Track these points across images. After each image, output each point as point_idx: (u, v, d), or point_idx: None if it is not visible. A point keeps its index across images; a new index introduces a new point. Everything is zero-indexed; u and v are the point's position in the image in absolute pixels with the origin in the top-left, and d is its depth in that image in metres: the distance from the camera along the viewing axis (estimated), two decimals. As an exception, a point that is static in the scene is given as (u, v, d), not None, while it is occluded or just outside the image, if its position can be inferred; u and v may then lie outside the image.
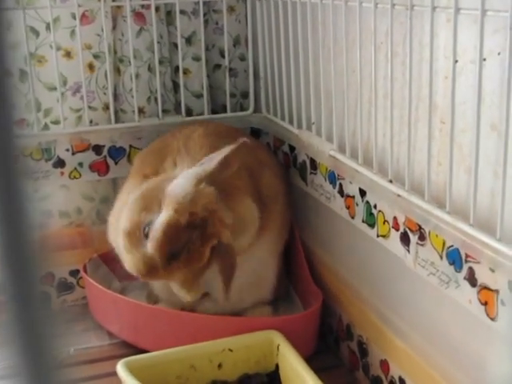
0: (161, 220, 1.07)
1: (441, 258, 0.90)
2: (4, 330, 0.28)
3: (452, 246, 0.88)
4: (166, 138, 1.31)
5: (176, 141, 1.27)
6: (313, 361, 1.11)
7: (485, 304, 0.83)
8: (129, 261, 1.12)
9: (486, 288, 0.82)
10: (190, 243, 1.06)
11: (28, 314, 0.28)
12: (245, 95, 1.59)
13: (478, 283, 0.83)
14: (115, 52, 1.47)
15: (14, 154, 0.27)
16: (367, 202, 1.10)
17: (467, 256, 0.85)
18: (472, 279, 0.84)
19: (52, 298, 1.43)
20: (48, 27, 1.36)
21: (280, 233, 1.32)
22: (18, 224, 0.27)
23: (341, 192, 1.19)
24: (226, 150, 1.13)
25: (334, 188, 1.21)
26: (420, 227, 0.94)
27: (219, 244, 1.09)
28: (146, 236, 1.09)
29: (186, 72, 1.52)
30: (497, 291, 0.80)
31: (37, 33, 1.38)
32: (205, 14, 1.52)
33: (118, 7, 1.44)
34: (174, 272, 1.09)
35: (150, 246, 1.07)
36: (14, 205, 0.27)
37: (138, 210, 1.13)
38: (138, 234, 1.10)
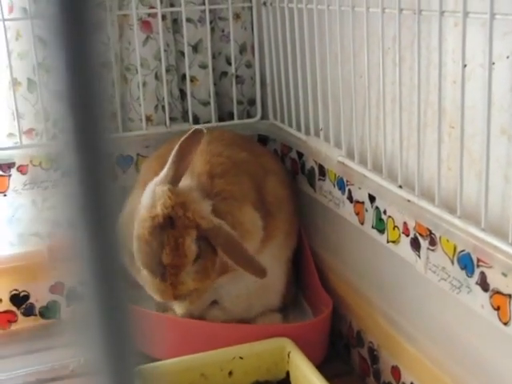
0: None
1: (452, 262, 0.90)
2: (82, 328, 0.28)
3: (463, 250, 0.87)
4: (171, 144, 1.31)
5: None
6: (323, 368, 1.11)
7: (497, 309, 0.82)
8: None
9: (498, 292, 0.82)
10: (165, 243, 1.06)
11: (111, 312, 0.28)
12: (252, 102, 1.59)
13: (491, 288, 0.83)
14: (122, 60, 1.47)
15: (105, 152, 0.26)
16: (377, 208, 1.09)
17: (479, 260, 0.84)
18: (484, 284, 0.84)
19: (62, 308, 1.42)
20: (55, 37, 1.36)
21: (286, 239, 1.32)
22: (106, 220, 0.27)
23: (350, 198, 1.19)
24: (175, 147, 1.11)
25: (343, 194, 1.21)
26: (431, 232, 0.94)
27: (210, 231, 1.08)
28: None
29: (192, 80, 1.53)
30: (509, 295, 0.80)
31: (45, 42, 1.38)
32: (211, 22, 1.52)
33: (125, 16, 1.45)
34: (176, 279, 1.08)
35: (138, 264, 1.09)
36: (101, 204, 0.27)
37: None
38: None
